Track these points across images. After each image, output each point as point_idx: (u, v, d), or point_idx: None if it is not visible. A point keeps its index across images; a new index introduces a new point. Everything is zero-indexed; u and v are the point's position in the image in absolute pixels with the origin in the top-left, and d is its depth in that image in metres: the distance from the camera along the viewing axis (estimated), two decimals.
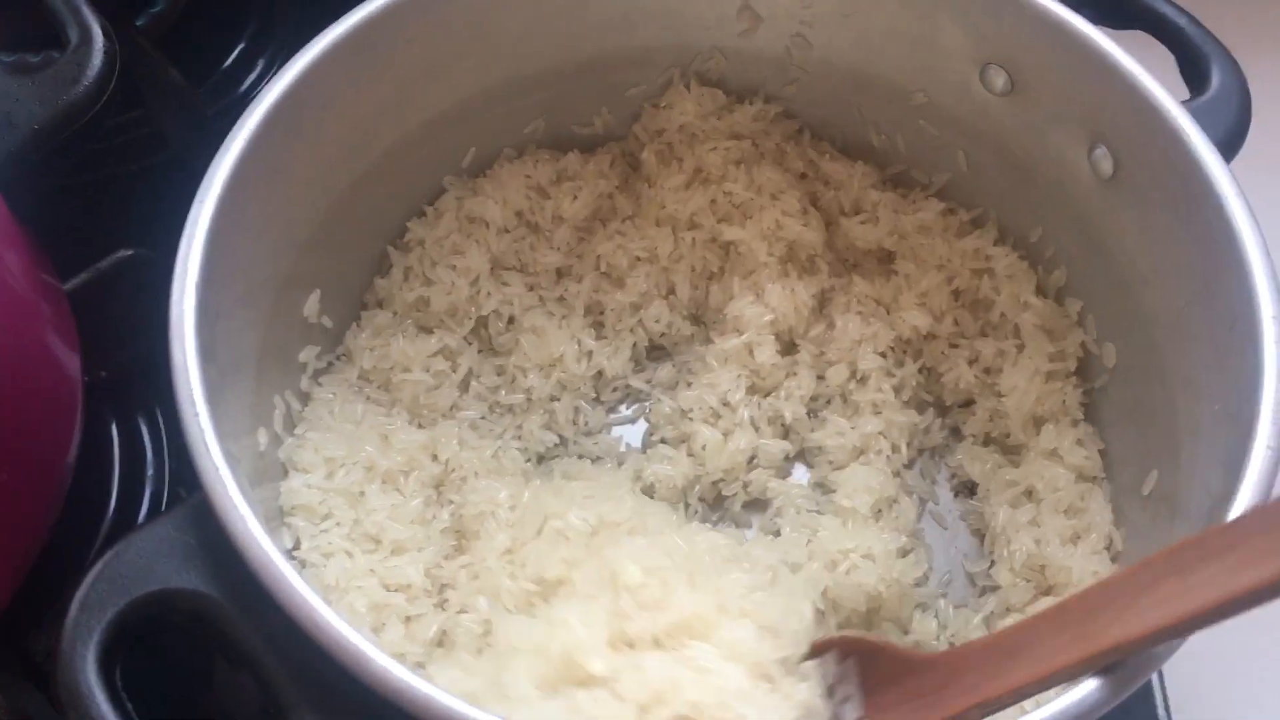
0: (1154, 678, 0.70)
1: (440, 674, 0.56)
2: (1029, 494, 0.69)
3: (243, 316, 0.61)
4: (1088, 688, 0.46)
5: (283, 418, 0.66)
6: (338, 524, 0.63)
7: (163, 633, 0.51)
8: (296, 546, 0.61)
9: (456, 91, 0.72)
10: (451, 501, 0.68)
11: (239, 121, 0.61)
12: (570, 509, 0.64)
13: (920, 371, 0.75)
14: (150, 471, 0.75)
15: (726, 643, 0.55)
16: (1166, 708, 0.70)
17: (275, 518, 0.61)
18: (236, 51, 0.89)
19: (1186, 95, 0.67)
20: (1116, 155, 0.65)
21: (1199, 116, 0.62)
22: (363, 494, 0.64)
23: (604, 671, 0.53)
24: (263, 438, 0.62)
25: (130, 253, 0.75)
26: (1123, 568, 0.63)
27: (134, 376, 0.74)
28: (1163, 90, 0.61)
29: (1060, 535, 0.66)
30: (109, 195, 0.82)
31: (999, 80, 0.69)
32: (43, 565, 0.58)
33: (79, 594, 0.48)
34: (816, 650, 0.56)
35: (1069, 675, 0.46)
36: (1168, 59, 0.69)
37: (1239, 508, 0.51)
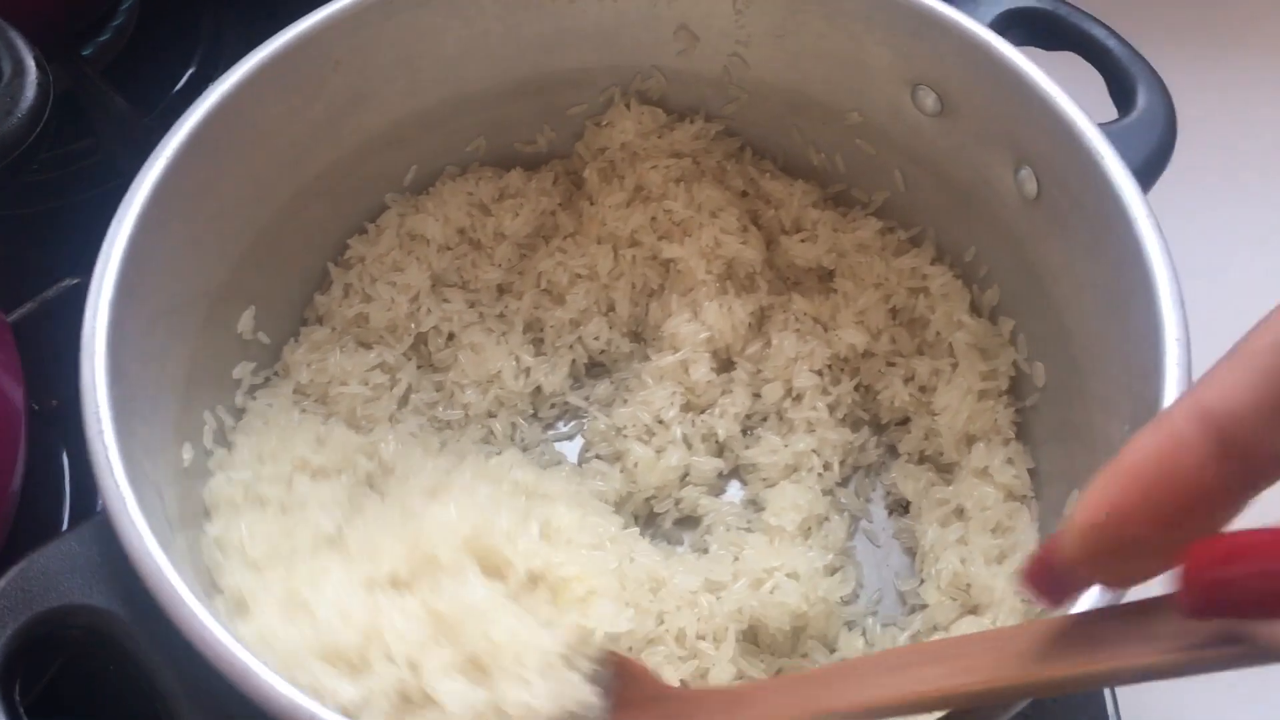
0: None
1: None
2: (959, 513, 0.70)
3: (167, 332, 0.62)
4: None
5: (213, 433, 0.66)
6: (262, 511, 0.63)
7: (65, 648, 0.51)
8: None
9: (391, 113, 0.73)
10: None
11: (162, 140, 0.61)
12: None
13: (856, 389, 0.75)
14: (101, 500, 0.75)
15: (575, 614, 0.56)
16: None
17: (197, 523, 0.61)
18: (185, 78, 0.90)
19: (1114, 115, 0.67)
20: (1039, 176, 0.65)
21: (1122, 137, 0.62)
22: (290, 485, 0.65)
23: (447, 563, 0.55)
24: (188, 453, 0.63)
25: (76, 281, 0.76)
26: None
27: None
28: (1080, 113, 0.62)
29: (986, 554, 0.66)
30: (57, 225, 0.83)
31: (929, 101, 0.70)
32: None
33: None
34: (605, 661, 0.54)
35: None
36: (1099, 79, 0.69)
37: None
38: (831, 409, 0.74)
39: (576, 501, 0.67)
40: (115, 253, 0.57)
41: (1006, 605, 0.64)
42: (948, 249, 0.75)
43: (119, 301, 0.57)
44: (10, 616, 0.49)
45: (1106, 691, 0.71)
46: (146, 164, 0.61)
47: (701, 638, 0.63)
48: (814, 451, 0.72)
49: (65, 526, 0.75)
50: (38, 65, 0.64)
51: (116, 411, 0.53)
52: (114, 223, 0.58)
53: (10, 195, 0.83)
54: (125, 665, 0.50)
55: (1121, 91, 0.68)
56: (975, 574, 0.66)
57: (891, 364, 0.75)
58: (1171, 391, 0.53)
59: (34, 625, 0.49)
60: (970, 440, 0.71)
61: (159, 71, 0.92)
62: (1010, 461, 0.69)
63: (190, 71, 0.92)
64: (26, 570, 0.51)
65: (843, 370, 0.76)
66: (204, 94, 0.63)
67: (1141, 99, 0.67)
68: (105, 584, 0.50)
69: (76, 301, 0.75)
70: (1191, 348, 0.54)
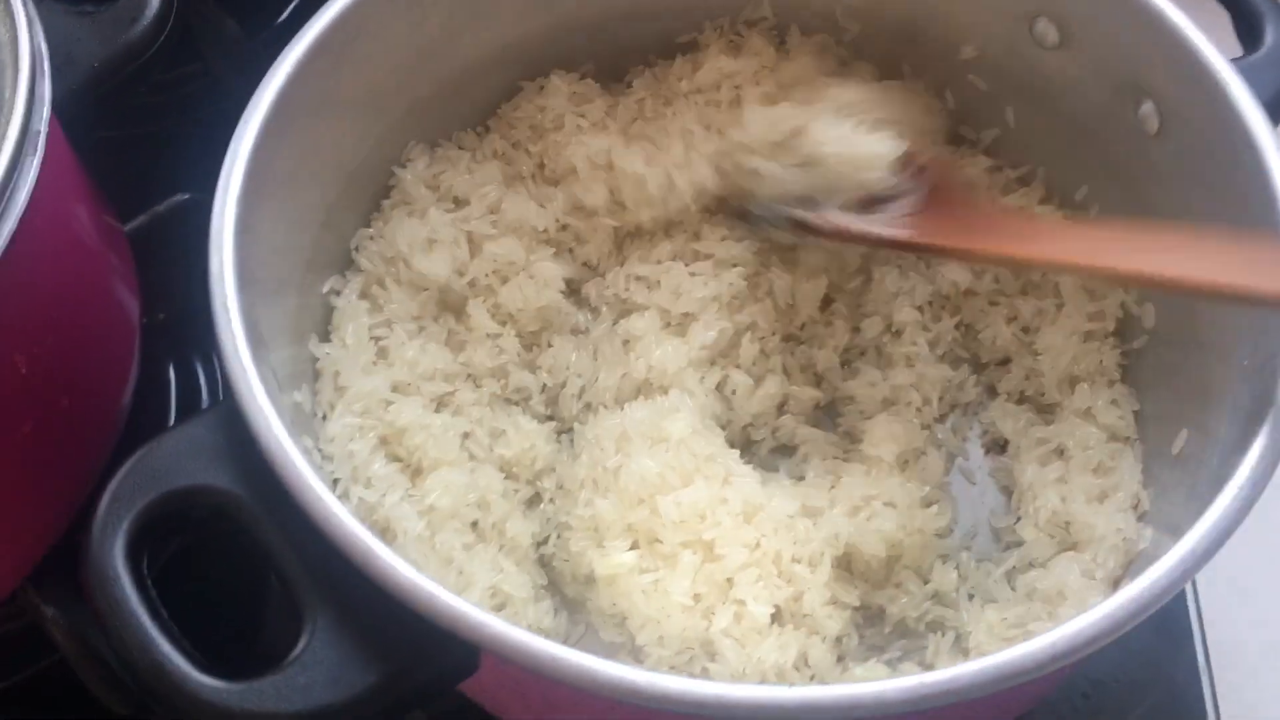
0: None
1: None
2: (1059, 452, 0.69)
3: (287, 232, 0.63)
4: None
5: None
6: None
7: (189, 527, 0.53)
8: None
9: (503, 33, 0.73)
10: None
11: (287, 47, 0.62)
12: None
13: (957, 328, 0.75)
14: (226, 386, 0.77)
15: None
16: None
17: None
18: (293, 4, 0.90)
19: (1239, 53, 0.65)
20: (1162, 111, 0.64)
21: (1249, 74, 0.61)
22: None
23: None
24: (314, 346, 0.66)
25: (187, 197, 0.78)
26: (1149, 526, 0.63)
27: (191, 318, 0.76)
28: (1210, 46, 0.60)
29: (1086, 493, 0.66)
30: (168, 144, 0.84)
31: (1049, 34, 0.69)
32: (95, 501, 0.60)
33: (110, 486, 0.50)
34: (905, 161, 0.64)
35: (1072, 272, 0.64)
36: (1224, 16, 0.68)
37: (1250, 461, 0.51)
38: (931, 345, 0.73)
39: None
40: (243, 151, 0.58)
41: (1108, 542, 0.63)
42: (1057, 188, 0.74)
43: (245, 200, 0.58)
44: (139, 493, 0.51)
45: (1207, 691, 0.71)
46: (271, 69, 0.62)
47: (797, 561, 0.63)
48: (912, 386, 0.72)
49: None
50: None
51: (243, 302, 0.54)
52: (240, 124, 0.60)
53: (119, 116, 0.85)
54: (248, 546, 0.51)
55: (1248, 28, 0.67)
56: (1075, 511, 0.65)
57: (994, 303, 0.74)
58: None
59: (161, 503, 0.51)
60: (1074, 381, 0.71)
61: None
62: (1115, 403, 0.69)
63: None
64: (155, 450, 0.52)
65: (944, 308, 0.75)
66: (323, 8, 0.64)
67: (1270, 35, 0.65)
68: (229, 467, 0.52)
69: (187, 216, 0.78)
70: None
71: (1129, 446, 0.67)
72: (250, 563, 0.51)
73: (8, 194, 0.48)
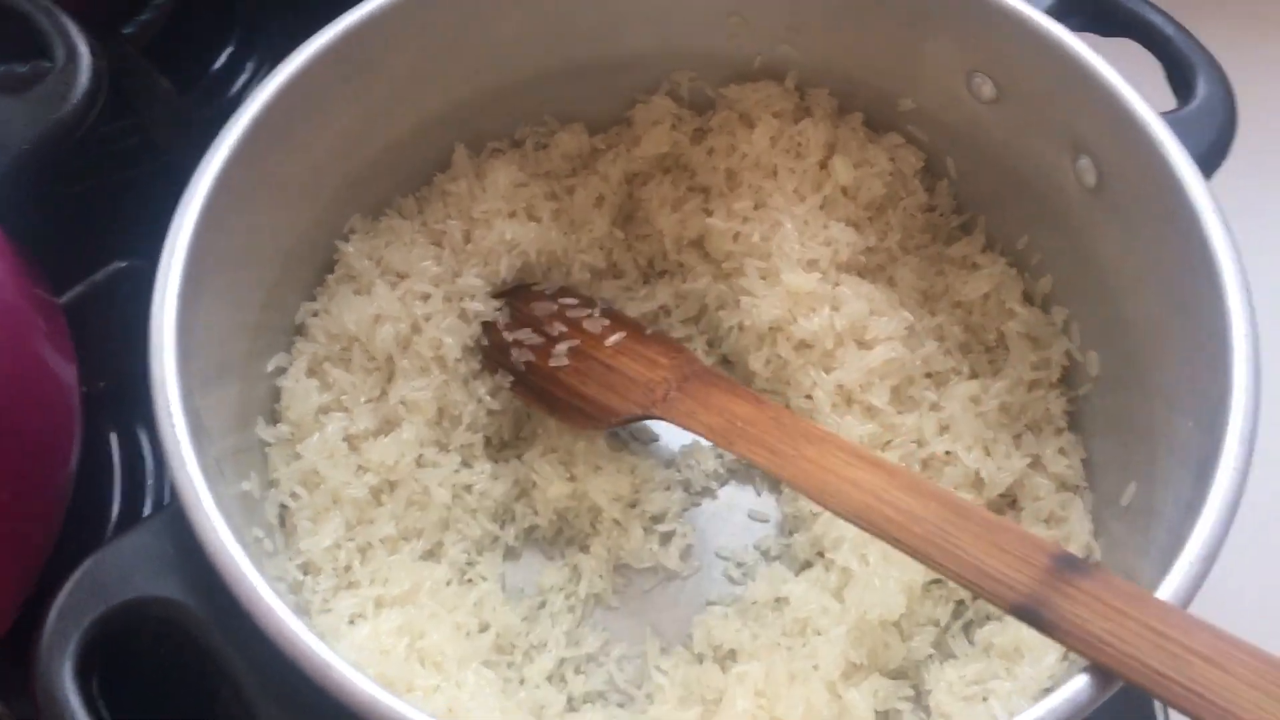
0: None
1: None
2: (1011, 503, 0.70)
3: (229, 319, 0.62)
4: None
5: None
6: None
7: (139, 641, 0.52)
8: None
9: (448, 94, 0.73)
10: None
11: (225, 128, 0.61)
12: None
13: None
14: (151, 481, 0.76)
15: None
16: None
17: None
18: (225, 55, 0.89)
19: (1174, 104, 0.66)
20: (1099, 166, 0.65)
21: (1181, 127, 0.62)
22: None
23: None
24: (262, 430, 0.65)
25: (125, 264, 0.75)
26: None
27: (133, 387, 0.73)
28: (1141, 101, 0.61)
29: None
30: (101, 206, 0.83)
31: (985, 88, 0.69)
32: (46, 580, 0.59)
33: (56, 602, 0.49)
34: None
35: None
36: (1159, 67, 0.69)
37: (1206, 523, 0.51)
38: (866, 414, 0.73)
39: None
40: (181, 242, 0.58)
41: None
42: (999, 237, 0.75)
43: (184, 294, 0.57)
44: (85, 609, 0.50)
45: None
46: (210, 149, 0.61)
47: None
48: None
49: (116, 508, 0.75)
50: (90, 50, 0.64)
51: (186, 403, 0.53)
52: (178, 210, 0.59)
53: (54, 175, 0.83)
54: (200, 658, 0.50)
55: (1181, 79, 0.67)
56: None
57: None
58: (1240, 387, 0.53)
59: (109, 618, 0.50)
60: (1021, 431, 0.71)
61: (197, 50, 0.91)
62: (1063, 451, 0.69)
63: (229, 49, 0.91)
64: (100, 562, 0.51)
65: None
66: (267, 77, 0.63)
67: (1202, 87, 0.66)
68: (179, 576, 0.51)
69: (125, 284, 0.77)
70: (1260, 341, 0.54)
71: (1079, 495, 0.68)
72: (198, 672, 0.50)
73: None
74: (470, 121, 0.76)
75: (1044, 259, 0.72)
